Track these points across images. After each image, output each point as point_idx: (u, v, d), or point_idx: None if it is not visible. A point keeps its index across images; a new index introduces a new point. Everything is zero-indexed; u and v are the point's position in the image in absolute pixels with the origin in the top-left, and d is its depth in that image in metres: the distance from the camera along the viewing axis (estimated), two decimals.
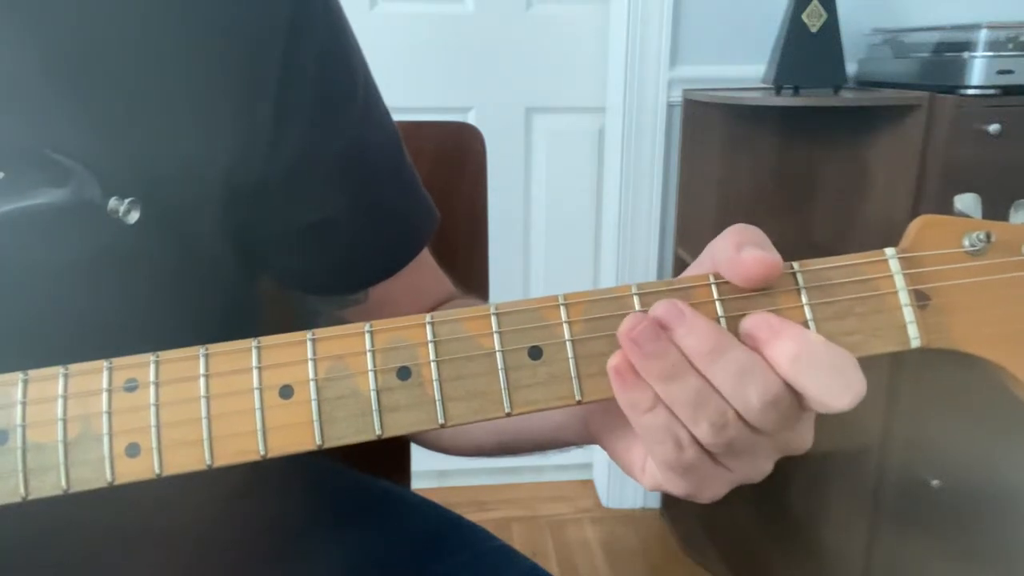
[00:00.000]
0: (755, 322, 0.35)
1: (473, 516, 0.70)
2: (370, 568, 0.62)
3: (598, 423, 0.42)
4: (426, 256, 0.60)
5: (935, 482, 1.26)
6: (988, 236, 0.37)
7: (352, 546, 0.64)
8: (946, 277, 0.37)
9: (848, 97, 1.42)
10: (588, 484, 2.04)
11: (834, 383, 0.34)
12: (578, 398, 0.35)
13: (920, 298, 0.36)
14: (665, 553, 1.79)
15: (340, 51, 0.52)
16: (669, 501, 1.90)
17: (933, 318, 0.37)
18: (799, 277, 0.36)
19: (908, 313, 0.36)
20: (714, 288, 0.36)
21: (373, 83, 0.56)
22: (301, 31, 0.48)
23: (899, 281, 0.36)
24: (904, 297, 0.36)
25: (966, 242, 0.37)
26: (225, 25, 0.46)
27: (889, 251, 0.37)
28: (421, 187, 0.60)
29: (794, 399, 0.35)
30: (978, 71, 1.26)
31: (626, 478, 1.92)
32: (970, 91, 1.27)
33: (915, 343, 0.36)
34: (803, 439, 0.37)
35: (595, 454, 2.02)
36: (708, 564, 1.71)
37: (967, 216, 0.38)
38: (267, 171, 0.49)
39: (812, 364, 0.34)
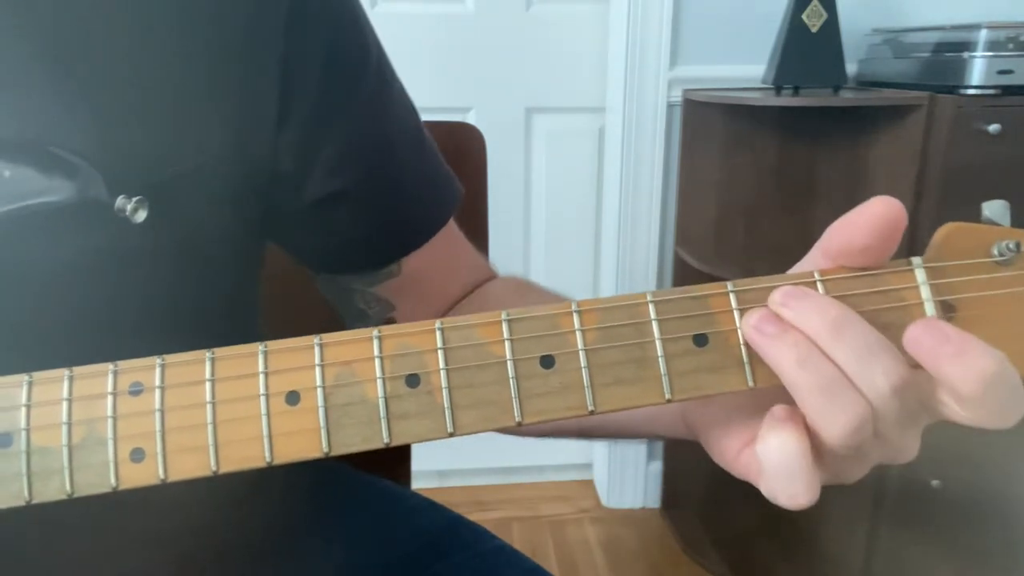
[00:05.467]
0: (929, 331, 0.33)
1: (473, 516, 0.69)
2: (371, 568, 0.62)
3: (696, 414, 0.41)
4: (458, 234, 0.60)
5: (935, 482, 1.26)
6: (1018, 245, 0.35)
7: (353, 546, 0.63)
8: (974, 288, 0.35)
9: (848, 97, 1.42)
10: (588, 484, 2.04)
11: (1016, 403, 0.32)
12: (591, 408, 0.34)
13: (946, 309, 0.35)
14: (665, 553, 1.79)
15: (351, 23, 0.53)
16: (669, 501, 1.90)
17: None
18: (820, 287, 0.35)
19: None
20: (732, 296, 0.35)
21: (388, 60, 0.56)
22: (303, 11, 0.48)
23: (925, 292, 0.35)
24: (930, 308, 0.35)
25: (995, 251, 0.35)
26: (221, 14, 0.47)
27: (916, 260, 0.36)
28: (442, 160, 0.59)
29: (913, 400, 0.34)
30: (978, 71, 1.26)
31: (626, 478, 1.93)
32: (970, 91, 1.27)
33: None
34: (912, 447, 0.36)
35: (595, 454, 2.02)
36: (708, 564, 1.71)
37: (995, 224, 0.36)
38: (276, 154, 0.49)
39: (1006, 383, 0.32)
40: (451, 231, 0.59)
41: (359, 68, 0.53)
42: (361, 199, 0.53)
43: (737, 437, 0.38)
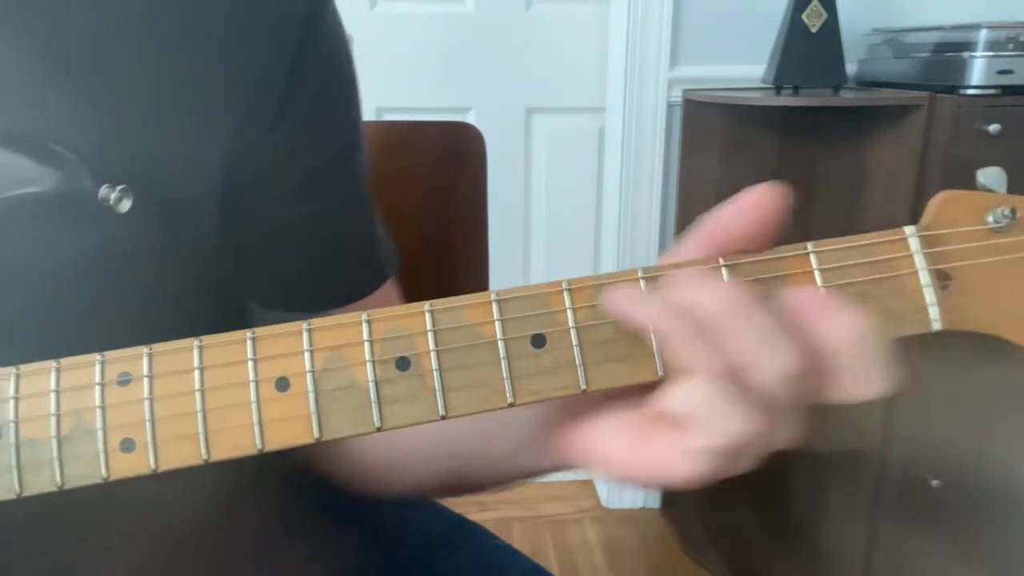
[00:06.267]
0: (805, 295, 0.34)
1: (473, 516, 0.69)
2: (371, 568, 0.62)
3: (565, 417, 0.39)
4: (395, 296, 0.59)
5: (935, 482, 1.26)
6: (1013, 212, 0.35)
7: (353, 546, 0.63)
8: (969, 256, 0.35)
9: (848, 97, 1.42)
10: (588, 484, 2.04)
11: (880, 368, 0.33)
12: (583, 387, 0.34)
13: (941, 278, 0.35)
14: (665, 553, 1.78)
15: (343, 65, 0.53)
16: (669, 501, 1.90)
17: (955, 299, 0.35)
18: (813, 258, 0.35)
19: (929, 294, 0.35)
20: (724, 271, 0.35)
21: (361, 125, 0.56)
22: (314, 35, 0.49)
23: (919, 261, 0.35)
24: (925, 278, 0.35)
25: (990, 218, 0.35)
26: (236, 19, 0.47)
27: (908, 229, 0.35)
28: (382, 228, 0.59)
29: (810, 377, 0.33)
30: (978, 71, 1.26)
31: None
32: (970, 91, 1.27)
33: (936, 325, 0.35)
34: (791, 430, 0.35)
35: None
36: (708, 564, 1.71)
37: (991, 191, 0.36)
38: (257, 166, 0.49)
39: (870, 343, 0.33)
40: (389, 292, 0.58)
41: (342, 112, 0.53)
42: (313, 235, 0.53)
43: (621, 438, 0.36)
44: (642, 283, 0.35)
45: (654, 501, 1.94)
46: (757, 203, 0.35)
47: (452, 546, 0.65)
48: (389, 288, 0.58)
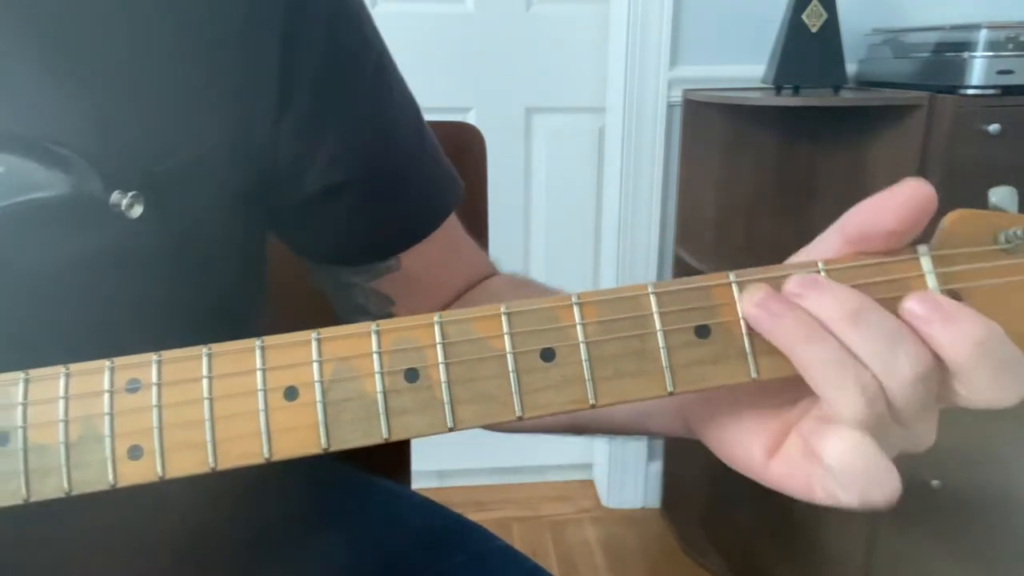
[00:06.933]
0: (922, 300, 0.33)
1: (473, 516, 0.69)
2: (371, 568, 0.62)
3: (697, 414, 0.40)
4: (459, 229, 0.60)
5: (935, 482, 1.26)
6: None
7: (353, 546, 0.63)
8: (980, 276, 0.35)
9: (848, 97, 1.42)
10: (588, 484, 2.04)
11: (1012, 375, 0.32)
12: (592, 402, 0.34)
13: (952, 298, 0.34)
14: (665, 553, 1.79)
15: (350, 15, 0.53)
16: (669, 501, 1.90)
17: None
18: (824, 276, 0.35)
19: None
20: (734, 287, 0.35)
21: (389, 56, 0.56)
22: (302, 4, 0.48)
23: (931, 281, 0.35)
24: None
25: (1001, 238, 0.35)
26: (219, 6, 0.47)
27: (921, 248, 0.35)
28: (443, 157, 0.59)
29: (935, 384, 0.33)
30: (978, 71, 1.26)
31: (626, 478, 1.92)
32: (970, 91, 1.27)
33: None
34: (930, 433, 0.35)
35: (595, 454, 2.02)
36: (708, 564, 1.71)
37: (1002, 210, 0.36)
38: (276, 145, 0.49)
39: (997, 351, 0.32)
40: (452, 226, 0.59)
41: (358, 61, 0.53)
42: (361, 192, 0.53)
43: (758, 444, 0.37)
44: (652, 300, 0.35)
45: (654, 501, 1.94)
46: (909, 197, 0.33)
47: (452, 547, 0.65)
48: (447, 228, 0.58)
